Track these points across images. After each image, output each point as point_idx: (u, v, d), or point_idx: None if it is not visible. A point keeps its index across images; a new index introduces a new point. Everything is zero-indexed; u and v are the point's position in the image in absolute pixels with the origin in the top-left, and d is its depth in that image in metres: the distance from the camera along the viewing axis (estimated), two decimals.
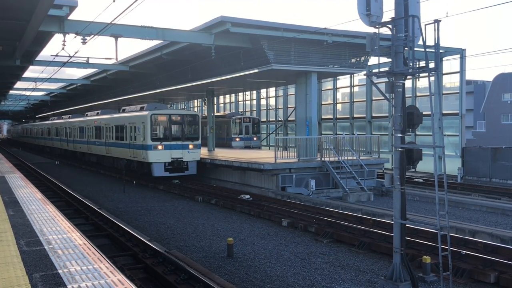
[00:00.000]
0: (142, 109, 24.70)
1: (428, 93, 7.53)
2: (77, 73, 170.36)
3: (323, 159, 19.97)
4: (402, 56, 7.59)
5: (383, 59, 23.80)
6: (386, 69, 8.00)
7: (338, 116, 35.62)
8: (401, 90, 7.63)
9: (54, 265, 5.63)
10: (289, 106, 38.78)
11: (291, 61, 20.39)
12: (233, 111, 45.00)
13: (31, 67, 27.09)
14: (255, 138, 24.39)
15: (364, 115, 32.77)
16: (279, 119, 39.78)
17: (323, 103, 36.78)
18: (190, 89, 29.89)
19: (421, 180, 23.45)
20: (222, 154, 26.03)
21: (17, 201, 10.64)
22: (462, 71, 26.81)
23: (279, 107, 40.51)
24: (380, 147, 23.33)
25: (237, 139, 27.12)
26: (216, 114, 42.80)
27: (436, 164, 7.31)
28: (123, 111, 28.29)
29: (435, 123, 12.95)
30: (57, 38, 33.77)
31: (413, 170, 25.90)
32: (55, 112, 57.30)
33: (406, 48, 7.61)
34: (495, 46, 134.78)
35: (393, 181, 7.72)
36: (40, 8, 13.04)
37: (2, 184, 13.76)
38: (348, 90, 34.90)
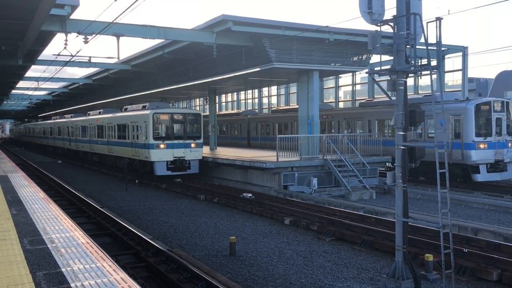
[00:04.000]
0: (144, 108, 24.72)
1: (430, 91, 7.51)
2: (79, 73, 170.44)
3: (325, 157, 19.97)
4: (404, 54, 7.58)
5: (385, 57, 23.76)
6: (388, 67, 7.98)
7: None
8: (403, 88, 7.63)
9: (57, 264, 5.64)
10: (291, 104, 38.75)
11: (293, 60, 20.37)
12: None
13: (33, 67, 27.21)
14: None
15: None
16: None
17: (325, 101, 36.76)
18: (192, 88, 29.90)
19: (423, 178, 23.40)
20: (224, 152, 26.06)
21: (20, 200, 10.66)
22: (464, 69, 26.78)
23: (281, 105, 40.48)
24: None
25: None
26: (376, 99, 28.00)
27: (438, 162, 7.29)
28: (125, 110, 28.31)
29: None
30: (59, 37, 33.80)
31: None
32: (57, 111, 57.39)
33: (408, 46, 7.59)
34: (498, 44, 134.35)
35: (395, 179, 7.72)
36: (42, 8, 13.06)
37: (5, 184, 13.79)
38: (350, 88, 34.88)
